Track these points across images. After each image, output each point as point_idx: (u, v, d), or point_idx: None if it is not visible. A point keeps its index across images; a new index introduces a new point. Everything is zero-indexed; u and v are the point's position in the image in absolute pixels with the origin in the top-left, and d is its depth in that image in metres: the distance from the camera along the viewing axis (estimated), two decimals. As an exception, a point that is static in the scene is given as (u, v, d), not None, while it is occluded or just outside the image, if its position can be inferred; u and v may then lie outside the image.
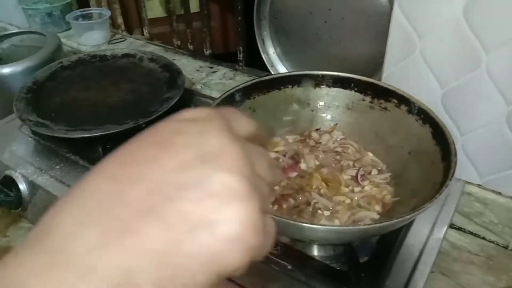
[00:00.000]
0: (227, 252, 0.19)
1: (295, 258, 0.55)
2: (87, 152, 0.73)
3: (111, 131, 0.70)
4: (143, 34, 1.21)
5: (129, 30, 1.30)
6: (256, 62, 0.99)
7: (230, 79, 0.99)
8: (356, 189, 0.59)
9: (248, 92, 0.65)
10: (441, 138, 0.55)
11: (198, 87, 0.96)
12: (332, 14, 0.81)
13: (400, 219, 0.44)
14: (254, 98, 0.66)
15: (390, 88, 0.63)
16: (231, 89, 0.63)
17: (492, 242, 0.74)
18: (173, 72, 0.85)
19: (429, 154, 0.56)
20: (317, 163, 0.62)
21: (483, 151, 0.69)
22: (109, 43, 1.16)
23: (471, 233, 0.76)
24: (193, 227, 0.19)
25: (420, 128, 0.59)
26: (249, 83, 0.65)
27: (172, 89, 0.80)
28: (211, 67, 1.04)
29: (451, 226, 0.76)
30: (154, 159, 0.20)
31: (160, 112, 0.73)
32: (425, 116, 0.58)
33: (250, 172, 0.21)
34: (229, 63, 1.04)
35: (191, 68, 1.03)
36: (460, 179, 0.71)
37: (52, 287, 0.17)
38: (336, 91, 0.67)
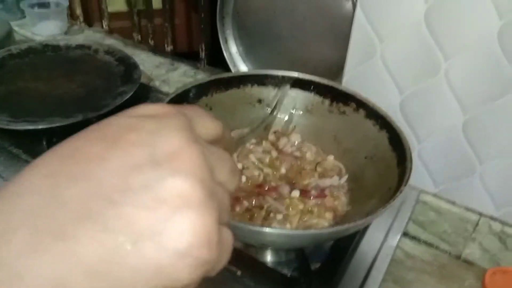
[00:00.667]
0: (175, 267, 0.17)
1: (245, 263, 0.53)
2: (31, 146, 0.69)
3: (57, 124, 0.66)
4: (103, 27, 1.16)
5: (89, 23, 1.25)
6: (219, 62, 0.96)
7: (191, 77, 0.96)
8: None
9: (205, 89, 0.62)
10: (397, 144, 0.54)
11: (157, 83, 0.93)
12: (295, 14, 0.80)
13: (352, 225, 0.42)
14: (212, 95, 0.63)
15: (349, 92, 0.62)
16: (187, 84, 0.60)
17: (445, 251, 0.74)
18: (129, 66, 0.81)
19: (386, 159, 0.55)
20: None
21: (439, 159, 0.69)
22: (65, 34, 1.10)
23: (425, 242, 0.75)
24: (137, 236, 0.17)
25: (377, 133, 0.58)
26: (207, 79, 0.62)
27: (127, 84, 0.77)
28: (172, 64, 1.00)
29: (405, 234, 0.76)
30: (100, 157, 0.18)
31: (112, 107, 0.70)
32: (382, 121, 0.57)
33: (208, 178, 0.19)
34: (191, 60, 1.02)
35: (150, 64, 0.99)
36: (415, 187, 0.71)
37: None
38: (296, 93, 0.66)
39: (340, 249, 0.55)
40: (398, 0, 0.60)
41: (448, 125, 0.65)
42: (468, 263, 0.72)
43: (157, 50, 1.05)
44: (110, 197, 0.17)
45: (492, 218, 0.68)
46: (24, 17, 1.13)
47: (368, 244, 0.57)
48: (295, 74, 0.65)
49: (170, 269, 0.17)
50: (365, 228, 0.59)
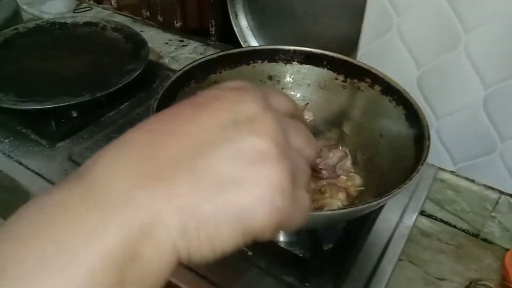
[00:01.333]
0: (252, 209, 0.20)
1: (257, 243, 0.52)
2: (40, 125, 0.68)
3: (65, 103, 0.64)
4: (111, 4, 1.14)
5: (98, 0, 1.23)
6: (230, 38, 0.94)
7: (201, 54, 0.94)
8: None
9: (213, 65, 0.60)
10: (414, 121, 0.51)
11: (166, 60, 0.91)
12: (308, -13, 0.77)
13: (366, 205, 0.41)
14: (221, 72, 0.61)
15: (364, 66, 0.59)
16: (195, 61, 0.58)
17: (463, 230, 0.72)
18: (137, 43, 0.79)
19: (402, 137, 0.52)
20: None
21: (458, 136, 0.66)
22: (73, 12, 1.09)
23: (442, 221, 0.73)
24: (220, 181, 0.20)
25: (394, 109, 0.55)
26: (215, 55, 0.60)
27: (135, 61, 0.75)
28: (181, 41, 0.98)
29: (422, 213, 0.74)
30: (192, 118, 0.21)
31: (120, 85, 0.68)
32: (399, 97, 0.55)
33: (281, 140, 0.21)
34: (201, 37, 0.99)
35: (159, 41, 0.97)
36: (433, 165, 0.69)
37: (82, 217, 0.18)
38: (308, 69, 0.63)
39: (354, 230, 0.53)
40: (416, -32, 0.57)
41: (468, 101, 0.62)
42: (487, 242, 0.70)
43: (166, 26, 1.03)
44: (199, 148, 0.20)
45: (512, 196, 0.66)
46: (32, -5, 1.12)
47: (383, 225, 0.55)
48: (307, 49, 0.62)
49: (248, 211, 0.20)
50: (380, 208, 0.57)
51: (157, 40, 0.97)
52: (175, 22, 1.02)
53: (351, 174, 0.55)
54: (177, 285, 0.47)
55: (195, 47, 0.96)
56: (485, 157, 0.65)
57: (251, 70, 0.63)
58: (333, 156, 0.59)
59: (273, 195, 0.20)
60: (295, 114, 0.26)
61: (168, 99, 0.54)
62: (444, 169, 0.70)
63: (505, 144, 0.62)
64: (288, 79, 0.65)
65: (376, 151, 0.56)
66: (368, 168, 0.56)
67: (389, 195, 0.41)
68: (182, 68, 0.57)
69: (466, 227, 0.72)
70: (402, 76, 0.65)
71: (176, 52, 0.94)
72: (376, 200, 0.41)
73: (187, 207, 0.19)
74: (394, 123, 0.55)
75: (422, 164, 0.44)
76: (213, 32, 0.95)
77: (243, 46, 0.88)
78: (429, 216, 0.74)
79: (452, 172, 0.70)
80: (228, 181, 0.20)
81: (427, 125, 0.49)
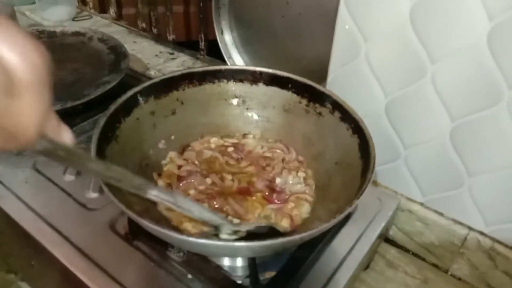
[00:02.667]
0: None
1: (198, 267, 0.51)
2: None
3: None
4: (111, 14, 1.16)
5: (102, 9, 1.25)
6: (220, 53, 0.94)
7: (188, 68, 0.94)
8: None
9: (176, 82, 0.60)
10: (365, 152, 0.50)
11: (152, 72, 0.92)
12: (289, 8, 0.76)
13: (291, 238, 0.40)
14: (183, 90, 0.61)
15: (326, 92, 0.58)
16: (156, 78, 0.59)
17: (432, 264, 0.70)
18: (119, 55, 0.80)
19: (353, 167, 0.51)
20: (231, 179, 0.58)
21: (426, 168, 0.64)
22: (73, 20, 1.11)
23: (411, 252, 0.71)
24: None
25: (350, 138, 0.54)
26: (178, 73, 0.60)
27: (113, 73, 0.76)
28: (171, 53, 0.99)
29: (391, 243, 0.72)
30: None
31: (92, 97, 0.69)
32: (356, 126, 0.54)
33: None
34: (192, 50, 1.00)
35: (150, 53, 0.98)
36: (399, 194, 0.67)
37: None
38: (273, 91, 0.63)
39: (300, 258, 0.52)
40: (382, -4, 0.56)
41: (436, 132, 0.60)
42: (456, 279, 0.68)
43: (160, 38, 1.04)
44: None
45: (481, 233, 0.64)
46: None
47: (332, 255, 0.54)
48: (272, 71, 0.62)
49: None
50: (332, 237, 0.56)
51: (148, 52, 0.99)
52: (167, 34, 1.03)
53: (301, 200, 0.54)
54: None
55: (183, 61, 0.97)
56: (453, 191, 0.63)
57: (216, 89, 0.63)
58: (292, 180, 0.58)
59: None
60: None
61: (123, 114, 0.54)
62: (413, 200, 0.68)
63: (473, 180, 0.60)
64: (254, 100, 0.64)
65: (330, 179, 0.55)
66: (318, 195, 0.55)
67: (320, 226, 0.40)
68: (142, 84, 0.58)
69: (435, 261, 0.70)
70: (371, 103, 0.64)
71: (164, 64, 0.94)
72: (306, 232, 0.40)
73: None
74: (348, 152, 0.54)
75: (358, 198, 0.43)
76: (203, 47, 0.96)
77: (228, 61, 0.88)
78: (398, 246, 0.72)
79: (421, 204, 0.68)
80: None
81: (374, 157, 0.48)
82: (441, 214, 0.66)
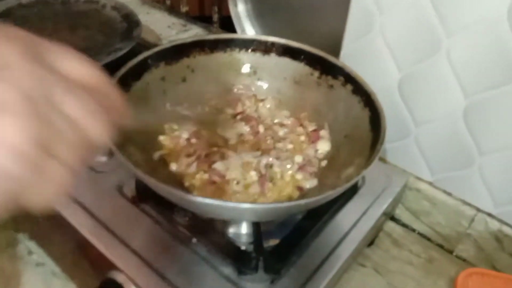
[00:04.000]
0: None
1: (203, 231, 0.51)
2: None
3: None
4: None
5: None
6: (233, 26, 0.93)
7: (200, 39, 0.94)
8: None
9: (187, 49, 0.60)
10: (376, 124, 0.50)
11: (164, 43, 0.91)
12: (305, -20, 0.75)
13: (293, 203, 0.39)
14: (195, 57, 0.61)
15: (338, 64, 0.57)
16: (167, 44, 0.58)
17: (437, 244, 0.69)
18: (132, 23, 0.80)
19: (362, 139, 0.51)
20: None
21: (437, 146, 0.63)
22: (87, -11, 1.10)
23: (417, 232, 0.71)
24: None
25: (361, 110, 0.54)
26: (189, 40, 0.60)
27: (125, 40, 0.76)
28: (184, 25, 0.98)
29: (397, 221, 0.72)
30: None
31: (102, 63, 0.69)
32: (367, 99, 0.53)
33: (38, 96, 0.18)
34: (205, 23, 0.99)
35: (162, 24, 0.98)
36: (407, 171, 0.66)
37: None
38: (285, 61, 0.62)
39: (304, 228, 0.52)
40: (400, -34, 0.54)
41: (448, 109, 0.59)
42: (461, 260, 0.68)
43: (173, 10, 1.04)
44: None
45: (489, 215, 0.63)
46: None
47: (337, 226, 0.54)
48: (285, 41, 0.61)
49: None
50: (337, 209, 0.55)
51: (161, 23, 0.98)
52: (181, 6, 1.02)
53: (306, 169, 0.54)
54: (109, 259, 0.47)
55: (196, 33, 0.96)
56: (463, 170, 0.62)
57: (228, 57, 0.62)
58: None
59: (4, 157, 0.17)
60: (93, 84, 0.23)
61: (132, 78, 0.54)
62: (422, 179, 0.67)
63: (484, 159, 0.59)
64: (265, 70, 0.63)
65: (338, 151, 0.55)
66: (325, 166, 0.55)
67: (323, 195, 0.40)
68: (153, 49, 0.57)
69: (440, 242, 0.69)
70: (384, 78, 0.63)
71: (176, 36, 0.94)
72: (309, 199, 0.40)
73: None
74: (359, 125, 0.53)
75: (366, 169, 0.43)
76: (216, 19, 0.95)
77: (239, 33, 0.87)
78: (404, 225, 0.71)
79: (429, 183, 0.67)
80: None
81: (385, 130, 0.47)
82: (449, 194, 0.66)
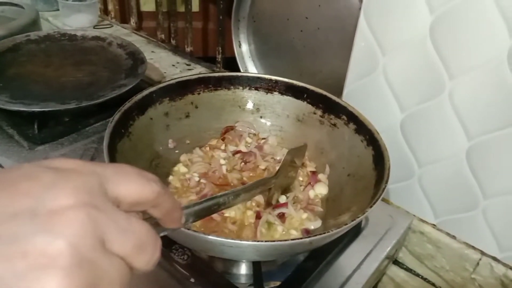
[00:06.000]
0: None
1: (201, 271, 0.50)
2: (25, 128, 0.69)
3: (50, 109, 0.66)
4: (131, 25, 1.18)
5: (123, 20, 1.28)
6: (237, 66, 0.95)
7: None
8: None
9: (192, 86, 0.60)
10: (379, 163, 0.49)
11: (168, 81, 0.92)
12: (308, 23, 0.77)
13: (292, 242, 0.38)
14: (199, 93, 0.61)
15: (341, 103, 0.58)
16: (171, 79, 0.59)
17: (442, 290, 0.67)
18: (137, 61, 0.81)
19: (366, 178, 0.50)
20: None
21: (440, 188, 0.63)
22: (94, 28, 1.13)
23: (420, 276, 0.69)
24: None
25: (364, 150, 0.53)
26: (195, 76, 0.60)
27: (130, 77, 0.76)
28: (188, 64, 1.00)
29: (400, 265, 0.70)
30: None
31: (107, 97, 0.69)
32: (370, 137, 0.53)
33: (86, 245, 0.18)
34: (208, 63, 1.01)
35: (167, 63, 0.99)
36: (411, 214, 0.65)
37: None
38: (288, 100, 0.62)
39: (306, 271, 0.50)
40: (403, 10, 0.56)
41: (452, 151, 0.59)
42: (466, 306, 0.65)
43: (177, 50, 1.05)
44: None
45: (495, 259, 0.61)
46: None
47: (339, 269, 0.52)
48: (288, 80, 0.62)
49: None
50: (339, 251, 0.54)
51: (165, 62, 1.00)
52: (185, 46, 1.04)
53: (314, 209, 0.53)
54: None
55: (199, 72, 0.97)
56: (467, 213, 0.61)
57: (231, 95, 0.63)
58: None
59: None
60: (152, 202, 0.23)
61: (137, 112, 0.54)
62: (425, 221, 0.66)
63: (488, 202, 0.59)
64: (268, 108, 0.64)
65: (341, 190, 0.54)
66: (329, 207, 0.54)
67: (323, 234, 0.39)
68: (157, 85, 0.58)
69: (445, 287, 0.67)
70: (386, 119, 0.63)
71: (180, 74, 0.95)
72: (306, 237, 0.39)
73: None
74: (362, 164, 0.53)
75: (371, 207, 0.42)
76: (219, 59, 0.97)
77: (243, 74, 0.88)
78: (408, 270, 0.70)
79: (433, 225, 0.66)
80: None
81: (389, 168, 0.47)
82: (453, 237, 0.64)
